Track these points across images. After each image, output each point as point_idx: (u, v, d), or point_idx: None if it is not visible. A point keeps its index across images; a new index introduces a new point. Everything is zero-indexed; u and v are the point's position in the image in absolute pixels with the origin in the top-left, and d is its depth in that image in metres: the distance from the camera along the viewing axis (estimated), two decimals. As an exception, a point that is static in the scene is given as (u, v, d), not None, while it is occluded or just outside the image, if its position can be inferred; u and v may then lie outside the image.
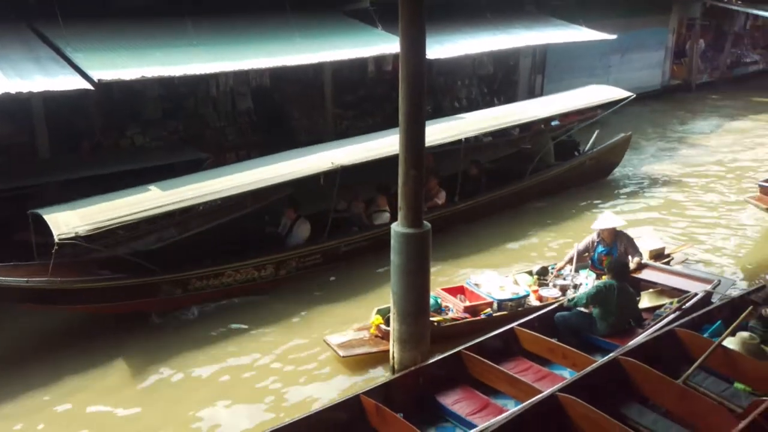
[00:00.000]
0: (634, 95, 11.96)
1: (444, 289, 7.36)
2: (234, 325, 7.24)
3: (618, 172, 12.62)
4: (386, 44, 10.16)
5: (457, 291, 7.37)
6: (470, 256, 8.95)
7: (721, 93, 19.90)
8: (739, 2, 20.91)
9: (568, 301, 6.64)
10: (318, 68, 12.01)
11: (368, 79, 13.48)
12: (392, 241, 5.78)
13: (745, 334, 5.77)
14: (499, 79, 16.14)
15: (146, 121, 11.26)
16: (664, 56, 19.65)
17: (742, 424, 4.45)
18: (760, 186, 9.85)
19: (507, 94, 16.15)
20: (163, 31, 9.51)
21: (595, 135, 11.87)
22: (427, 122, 5.69)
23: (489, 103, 15.43)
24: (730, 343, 5.63)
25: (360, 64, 12.77)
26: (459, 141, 9.59)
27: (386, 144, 8.74)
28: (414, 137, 5.47)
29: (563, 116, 12.67)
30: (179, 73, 8.45)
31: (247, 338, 7.06)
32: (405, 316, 5.88)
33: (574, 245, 7.97)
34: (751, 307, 6.07)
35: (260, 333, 7.15)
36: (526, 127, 12.32)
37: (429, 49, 10.88)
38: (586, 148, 11.87)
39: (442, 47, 11.55)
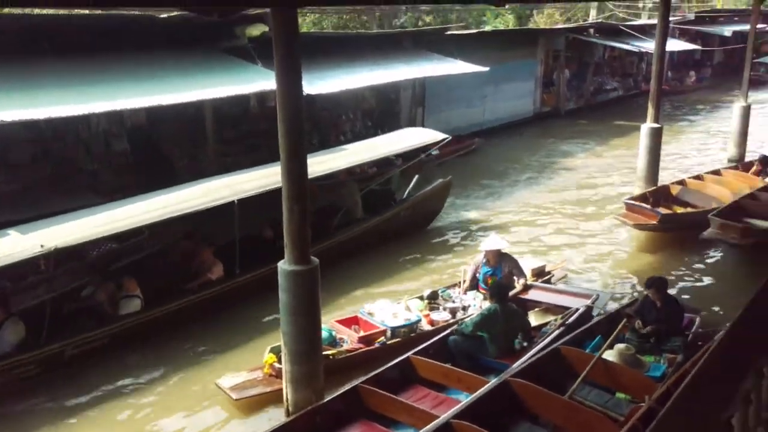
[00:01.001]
0: (450, 137, 11.44)
1: (338, 321, 7.33)
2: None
3: (493, 196, 13.14)
4: (266, 80, 10.10)
5: (352, 322, 7.36)
6: (363, 287, 8.95)
7: (587, 118, 21.38)
8: (597, 35, 22.70)
9: (459, 325, 6.78)
10: (198, 106, 11.73)
11: (251, 115, 13.37)
12: (279, 280, 5.65)
13: (622, 346, 6.13)
14: (380, 112, 16.48)
15: (14, 165, 10.49)
16: (534, 86, 20.88)
17: (622, 431, 4.67)
18: (626, 204, 10.58)
19: (390, 126, 16.49)
20: (24, 72, 8.93)
21: (414, 181, 10.93)
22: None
23: (373, 135, 15.71)
24: (610, 355, 5.95)
25: (242, 100, 12.63)
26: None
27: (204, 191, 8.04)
28: (295, 172, 5.42)
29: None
30: (43, 115, 7.90)
31: (130, 394, 6.63)
32: (297, 355, 5.75)
33: (464, 268, 8.22)
34: (625, 320, 6.47)
35: (145, 387, 6.73)
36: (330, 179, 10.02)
37: (311, 85, 11.14)
38: (404, 196, 10.80)
39: (325, 82, 11.66)
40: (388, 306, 7.48)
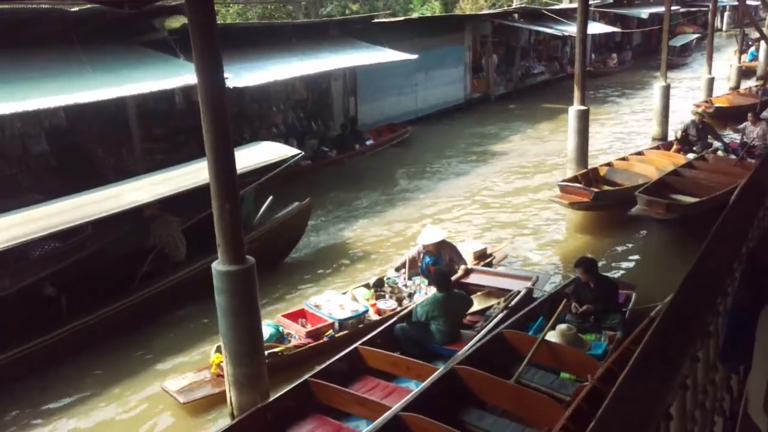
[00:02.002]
0: (301, 153, 9.64)
1: (285, 316, 7.19)
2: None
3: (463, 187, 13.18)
4: (189, 74, 9.71)
5: (298, 315, 7.23)
6: (311, 283, 8.81)
7: (517, 102, 21.74)
8: (522, 20, 23.06)
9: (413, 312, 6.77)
10: (120, 103, 11.21)
11: (177, 110, 12.90)
12: (215, 281, 5.42)
13: (563, 326, 6.21)
14: (313, 103, 16.25)
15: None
16: (464, 72, 21.03)
17: (568, 412, 4.71)
18: (560, 186, 10.78)
19: (323, 117, 16.31)
20: None
21: (266, 204, 9.07)
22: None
23: (306, 128, 15.50)
24: (552, 336, 6.01)
25: (167, 95, 12.15)
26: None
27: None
28: (224, 169, 5.18)
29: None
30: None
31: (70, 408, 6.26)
32: (238, 358, 5.54)
33: (406, 255, 8.20)
34: (565, 301, 6.57)
35: (87, 399, 6.37)
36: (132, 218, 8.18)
37: (238, 77, 10.81)
38: (255, 223, 8.83)
39: (252, 74, 11.36)
40: (335, 297, 7.40)
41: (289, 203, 9.37)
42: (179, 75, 9.90)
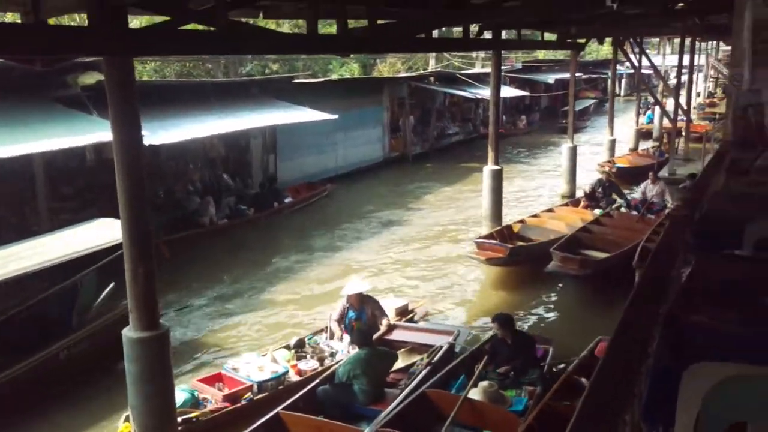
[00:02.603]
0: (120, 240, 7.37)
1: (200, 380, 6.88)
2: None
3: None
4: (102, 131, 9.42)
5: (215, 379, 6.94)
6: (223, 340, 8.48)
7: (433, 161, 22.33)
8: (437, 83, 23.98)
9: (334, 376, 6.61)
10: (25, 160, 10.66)
11: (88, 168, 12.42)
12: (125, 349, 5.13)
13: (485, 383, 6.24)
14: (232, 161, 16.07)
15: None
16: (382, 132, 21.49)
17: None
18: (476, 242, 11.05)
19: (242, 175, 16.14)
20: None
21: (106, 292, 7.93)
22: None
23: (224, 185, 15.25)
24: (474, 393, 6.02)
25: (78, 152, 11.70)
26: None
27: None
28: (139, 229, 4.99)
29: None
30: None
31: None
32: (148, 430, 5.21)
33: (329, 313, 8.09)
34: (486, 357, 6.62)
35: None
36: None
37: (154, 135, 10.56)
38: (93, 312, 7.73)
39: (168, 132, 11.15)
40: (254, 359, 7.17)
41: (203, 265, 9.10)
42: (91, 132, 9.57)
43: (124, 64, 4.86)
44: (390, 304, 8.52)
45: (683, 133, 20.86)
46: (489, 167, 12.69)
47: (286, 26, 24.20)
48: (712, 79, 39.64)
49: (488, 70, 18.25)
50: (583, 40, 17.09)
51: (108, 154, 11.41)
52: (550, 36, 16.56)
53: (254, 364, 7.05)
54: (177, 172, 14.62)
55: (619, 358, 1.58)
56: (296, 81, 17.43)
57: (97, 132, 9.50)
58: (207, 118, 12.61)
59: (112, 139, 4.96)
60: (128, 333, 5.11)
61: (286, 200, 15.41)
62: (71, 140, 9.33)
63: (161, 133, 10.81)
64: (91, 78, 10.70)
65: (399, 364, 7.18)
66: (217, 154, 15.59)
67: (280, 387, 6.82)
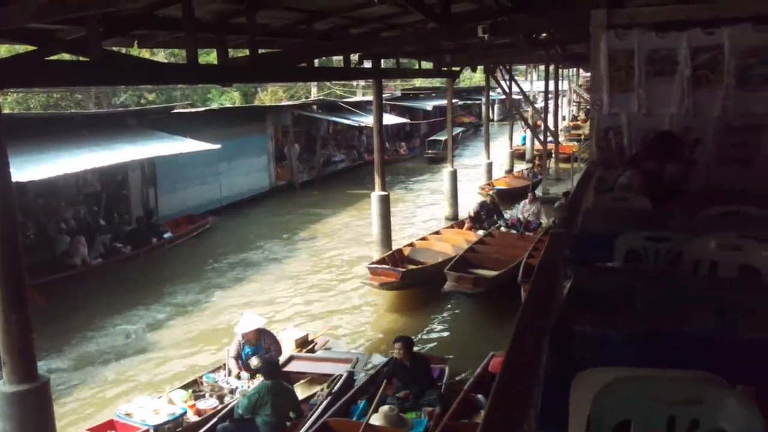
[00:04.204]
0: None
1: (90, 429, 6.50)
2: None
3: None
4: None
5: (107, 427, 6.59)
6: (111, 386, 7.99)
7: (321, 189, 22.39)
8: (320, 111, 24.17)
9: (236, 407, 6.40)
10: None
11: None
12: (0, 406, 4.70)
13: (386, 407, 6.31)
14: (107, 196, 15.25)
15: None
16: (267, 160, 21.28)
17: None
18: (369, 268, 11.17)
19: (119, 210, 15.37)
20: None
21: None
22: None
23: (96, 223, 14.46)
24: (376, 419, 6.07)
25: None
26: None
27: None
28: (9, 274, 4.63)
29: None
30: None
31: None
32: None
33: (226, 349, 7.86)
34: (385, 381, 6.70)
35: None
36: None
37: (20, 171, 9.84)
38: None
39: (37, 167, 10.42)
40: (148, 402, 6.84)
41: (78, 309, 8.56)
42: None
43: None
44: (289, 336, 8.43)
45: (553, 155, 22.30)
46: (376, 193, 12.93)
47: (161, 55, 23.56)
48: (575, 103, 42.79)
49: (369, 98, 18.67)
50: (457, 68, 17.93)
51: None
52: (426, 64, 17.24)
53: (149, 407, 6.72)
54: (47, 210, 13.67)
55: (513, 372, 1.69)
56: (175, 111, 16.93)
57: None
58: (79, 151, 11.92)
59: (-24, 177, 4.60)
60: (2, 387, 4.69)
61: (165, 235, 14.77)
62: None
63: (30, 168, 10.10)
64: (-55, 112, 9.83)
65: (300, 395, 7.11)
66: (92, 190, 14.74)
67: (178, 429, 6.56)
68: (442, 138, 30.04)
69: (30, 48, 7.12)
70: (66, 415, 7.31)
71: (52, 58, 6.93)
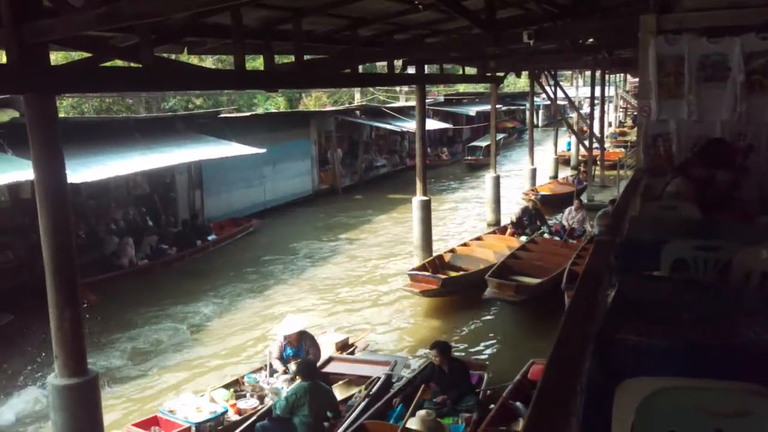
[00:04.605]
0: None
1: (135, 425, 6.63)
2: None
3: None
4: (20, 171, 9.04)
5: (151, 423, 6.70)
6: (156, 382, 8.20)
7: (363, 193, 22.51)
8: (363, 116, 24.32)
9: (273, 407, 6.50)
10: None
11: (0, 210, 11.82)
12: (51, 398, 4.88)
13: (422, 412, 6.30)
14: (157, 198, 15.66)
15: None
16: (311, 165, 21.52)
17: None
18: (409, 275, 11.16)
19: (167, 212, 15.75)
20: None
21: None
22: None
23: (144, 224, 14.83)
24: (413, 423, 6.07)
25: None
26: None
27: None
28: (63, 272, 4.80)
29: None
30: None
31: None
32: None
33: (268, 350, 7.97)
34: (423, 386, 6.69)
35: None
36: None
37: (74, 173, 10.18)
38: None
39: (90, 170, 10.77)
40: (191, 400, 6.97)
41: (125, 308, 8.83)
42: (7, 172, 9.15)
43: (46, 102, 4.73)
44: (330, 340, 8.51)
45: (598, 161, 21.93)
46: (418, 198, 12.93)
47: (209, 61, 24.07)
48: (621, 109, 41.98)
49: (412, 103, 18.71)
50: (501, 74, 17.82)
51: (24, 195, 10.99)
52: (470, 70, 17.17)
53: (191, 405, 6.85)
54: (98, 211, 14.11)
55: (555, 378, 1.68)
56: (222, 116, 17.28)
57: (13, 171, 9.10)
58: (130, 154, 12.29)
59: (34, 179, 4.79)
60: (54, 381, 4.87)
61: (210, 237, 15.07)
62: (-15, 181, 8.90)
63: (82, 170, 10.44)
64: (5, 115, 10.27)
65: (337, 396, 7.16)
66: (141, 192, 15.16)
67: (219, 427, 6.67)
68: (482, 144, 29.81)
69: (85, 55, 7.40)
70: (112, 410, 7.51)
71: (106, 64, 7.18)
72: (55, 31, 4.65)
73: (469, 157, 29.70)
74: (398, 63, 12.94)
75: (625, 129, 36.24)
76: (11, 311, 9.97)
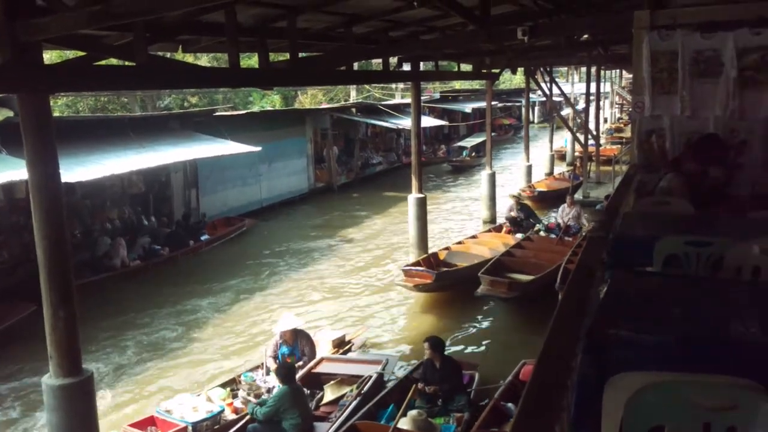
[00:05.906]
0: None
1: (131, 425, 6.63)
2: None
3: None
4: (14, 170, 9.02)
5: (147, 423, 6.71)
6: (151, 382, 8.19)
7: (359, 191, 22.50)
8: (359, 114, 24.29)
9: (253, 413, 6.47)
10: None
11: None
12: (45, 398, 4.87)
13: (414, 412, 6.33)
14: (152, 197, 15.62)
15: None
16: (306, 163, 21.51)
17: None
18: (403, 270, 11.18)
19: (162, 211, 15.71)
20: None
21: None
22: None
23: (137, 224, 14.78)
24: (404, 423, 6.09)
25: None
26: None
27: None
28: (58, 271, 4.79)
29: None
30: None
31: None
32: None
33: (263, 348, 7.98)
34: (414, 386, 6.70)
35: None
36: None
37: (69, 172, 10.17)
38: None
39: (85, 169, 10.76)
40: (188, 400, 6.97)
41: (117, 310, 8.83)
42: (1, 171, 9.13)
43: (39, 101, 4.72)
44: (326, 337, 8.51)
45: (594, 157, 21.95)
46: (413, 196, 12.94)
47: (204, 59, 24.02)
48: (617, 105, 42.02)
49: (408, 100, 18.67)
50: (497, 70, 17.80)
51: (19, 194, 10.95)
52: (466, 67, 17.16)
53: (188, 404, 6.86)
54: (93, 210, 14.07)
55: (546, 373, 1.68)
56: (217, 114, 17.26)
57: (7, 171, 9.08)
58: (125, 153, 12.27)
59: (28, 178, 4.78)
60: (48, 381, 4.86)
61: (202, 237, 15.00)
62: (-22, 180, 8.88)
63: (77, 169, 10.43)
64: (-1, 115, 10.25)
65: (329, 397, 7.18)
66: (136, 191, 15.11)
67: (216, 427, 6.67)
68: (468, 144, 29.60)
69: (79, 53, 7.37)
70: (108, 410, 7.50)
71: (100, 63, 7.17)
72: (48, 30, 4.63)
73: (455, 160, 28.33)
74: (393, 60, 12.91)
75: (621, 125, 36.27)
76: (35, 302, 9.90)
